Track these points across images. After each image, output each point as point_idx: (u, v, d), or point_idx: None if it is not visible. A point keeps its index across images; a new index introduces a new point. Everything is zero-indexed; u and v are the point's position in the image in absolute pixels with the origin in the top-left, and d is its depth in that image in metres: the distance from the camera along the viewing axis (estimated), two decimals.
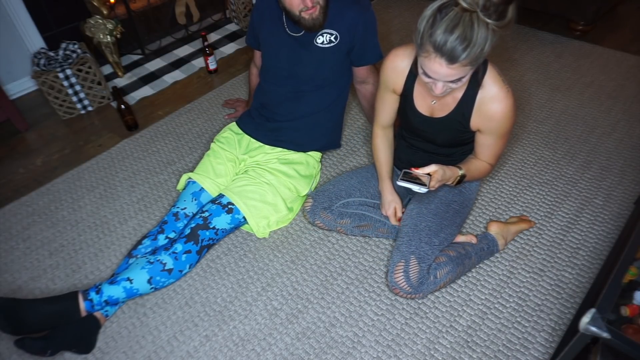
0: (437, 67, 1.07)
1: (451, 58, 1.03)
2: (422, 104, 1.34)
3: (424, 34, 1.04)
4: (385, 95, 1.41)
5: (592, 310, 0.85)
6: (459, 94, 1.26)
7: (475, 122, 1.28)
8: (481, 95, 1.23)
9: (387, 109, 1.44)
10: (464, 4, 0.98)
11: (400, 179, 1.23)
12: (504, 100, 1.21)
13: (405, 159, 1.53)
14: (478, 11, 0.98)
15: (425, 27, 1.03)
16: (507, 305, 1.41)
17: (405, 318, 1.39)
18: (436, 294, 1.44)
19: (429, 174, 1.23)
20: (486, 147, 1.33)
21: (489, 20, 0.99)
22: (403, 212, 1.53)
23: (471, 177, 1.35)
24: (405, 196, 1.60)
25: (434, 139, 1.40)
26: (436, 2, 1.03)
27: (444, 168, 1.25)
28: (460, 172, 1.30)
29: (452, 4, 1.00)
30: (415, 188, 1.22)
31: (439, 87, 1.13)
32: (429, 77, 1.12)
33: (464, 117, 1.28)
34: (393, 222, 1.53)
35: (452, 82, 1.11)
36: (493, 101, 1.22)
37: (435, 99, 1.30)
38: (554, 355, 1.26)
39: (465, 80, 1.13)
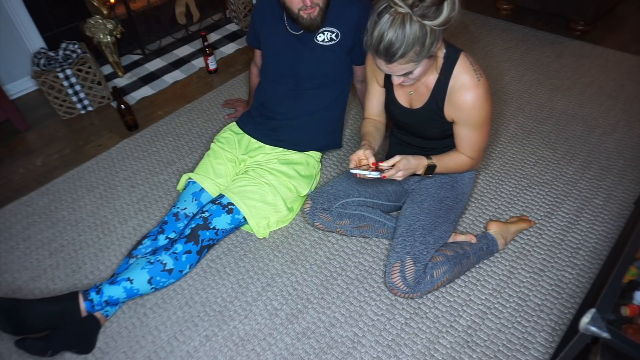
0: (380, 66, 1.17)
1: (387, 58, 1.11)
2: (401, 95, 1.39)
3: (366, 37, 1.12)
4: (371, 87, 1.48)
5: (592, 310, 0.85)
6: (432, 84, 1.30)
7: (448, 111, 1.32)
8: (452, 84, 1.27)
9: (374, 100, 1.50)
10: (397, 7, 1.05)
11: (354, 168, 1.29)
12: (474, 89, 1.24)
13: (397, 154, 1.55)
14: (411, 12, 1.05)
15: (368, 30, 1.11)
16: (507, 305, 1.41)
17: (405, 318, 1.39)
18: (436, 293, 1.44)
19: (393, 165, 1.29)
20: (462, 138, 1.35)
21: (422, 21, 1.05)
22: (374, 165, 1.31)
23: (445, 168, 1.39)
24: (403, 196, 1.60)
25: (418, 131, 1.43)
26: (378, 6, 1.10)
27: (407, 157, 1.30)
28: (427, 162, 1.35)
29: (388, 7, 1.07)
30: (366, 174, 1.27)
31: (395, 79, 1.21)
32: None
33: (438, 107, 1.32)
34: (351, 165, 1.32)
35: (403, 75, 1.18)
36: (462, 90, 1.25)
37: (412, 89, 1.35)
38: (554, 355, 1.26)
39: (419, 72, 1.18)
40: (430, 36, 1.08)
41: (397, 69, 1.14)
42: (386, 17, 1.07)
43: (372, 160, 1.30)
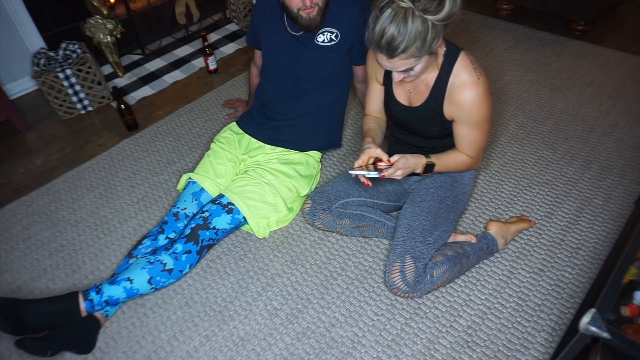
0: (381, 61, 1.16)
1: (389, 53, 1.11)
2: (401, 93, 1.39)
3: (368, 32, 1.12)
4: (372, 85, 1.48)
5: (592, 310, 0.85)
6: (431, 82, 1.30)
7: (447, 110, 1.32)
8: (451, 82, 1.27)
9: (374, 98, 1.51)
10: (399, 2, 1.06)
11: (353, 168, 1.30)
12: (473, 88, 1.24)
13: (395, 154, 1.55)
14: (413, 7, 1.05)
15: (369, 25, 1.11)
16: (507, 305, 1.41)
17: (405, 318, 1.39)
18: (436, 293, 1.44)
19: (392, 164, 1.30)
20: (462, 137, 1.36)
21: (424, 15, 1.06)
22: (376, 166, 1.33)
23: (444, 167, 1.39)
24: (403, 196, 1.60)
25: (417, 130, 1.43)
26: (381, 1, 1.10)
27: (406, 156, 1.31)
28: (426, 160, 1.35)
29: (391, 1, 1.07)
30: (365, 174, 1.29)
31: (395, 75, 1.21)
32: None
33: (438, 105, 1.32)
34: (356, 164, 1.33)
35: (404, 71, 1.18)
36: (462, 88, 1.25)
37: (411, 87, 1.35)
38: (554, 355, 1.26)
39: (420, 68, 1.19)
40: (432, 31, 1.08)
41: (398, 65, 1.14)
42: (388, 12, 1.07)
43: (386, 157, 1.31)
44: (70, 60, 2.22)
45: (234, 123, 1.81)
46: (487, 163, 1.88)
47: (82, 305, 1.33)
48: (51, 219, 1.76)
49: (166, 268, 1.40)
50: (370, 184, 1.34)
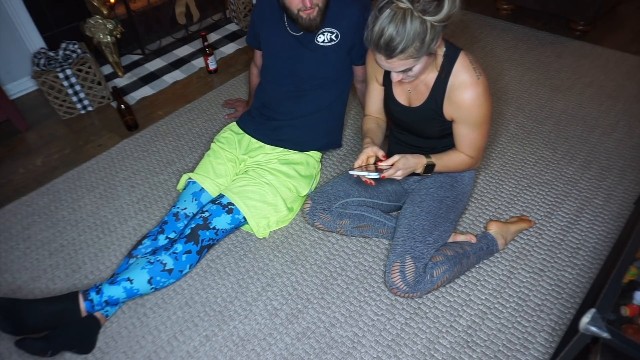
0: (380, 61, 1.17)
1: (387, 53, 1.11)
2: (400, 94, 1.40)
3: (367, 32, 1.13)
4: (371, 85, 1.49)
5: (592, 310, 0.85)
6: (431, 82, 1.30)
7: (447, 110, 1.32)
8: (451, 82, 1.27)
9: (374, 98, 1.51)
10: (398, 2, 1.06)
11: (353, 169, 1.30)
12: (473, 88, 1.24)
13: (396, 154, 1.55)
14: (412, 7, 1.05)
15: (368, 25, 1.12)
16: (507, 305, 1.41)
17: (405, 318, 1.39)
18: (436, 293, 1.44)
19: (392, 165, 1.30)
20: (462, 137, 1.36)
21: (423, 16, 1.06)
22: (377, 167, 1.34)
23: (444, 167, 1.40)
24: (403, 196, 1.60)
25: (417, 130, 1.44)
26: (380, 2, 1.10)
27: (406, 156, 1.31)
28: (426, 160, 1.35)
29: (390, 2, 1.08)
30: (365, 174, 1.29)
31: (394, 75, 1.22)
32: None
33: (437, 105, 1.32)
34: (356, 164, 1.34)
35: (402, 71, 1.18)
36: (461, 88, 1.25)
37: (411, 87, 1.35)
38: (554, 355, 1.26)
39: (419, 69, 1.19)
40: (430, 32, 1.08)
41: (396, 65, 1.15)
42: (387, 12, 1.07)
43: (381, 153, 1.31)
44: (70, 60, 2.22)
45: (234, 123, 1.81)
46: (487, 163, 1.88)
47: (82, 305, 1.33)
48: (51, 219, 1.76)
49: (166, 268, 1.40)
50: (373, 182, 1.34)
